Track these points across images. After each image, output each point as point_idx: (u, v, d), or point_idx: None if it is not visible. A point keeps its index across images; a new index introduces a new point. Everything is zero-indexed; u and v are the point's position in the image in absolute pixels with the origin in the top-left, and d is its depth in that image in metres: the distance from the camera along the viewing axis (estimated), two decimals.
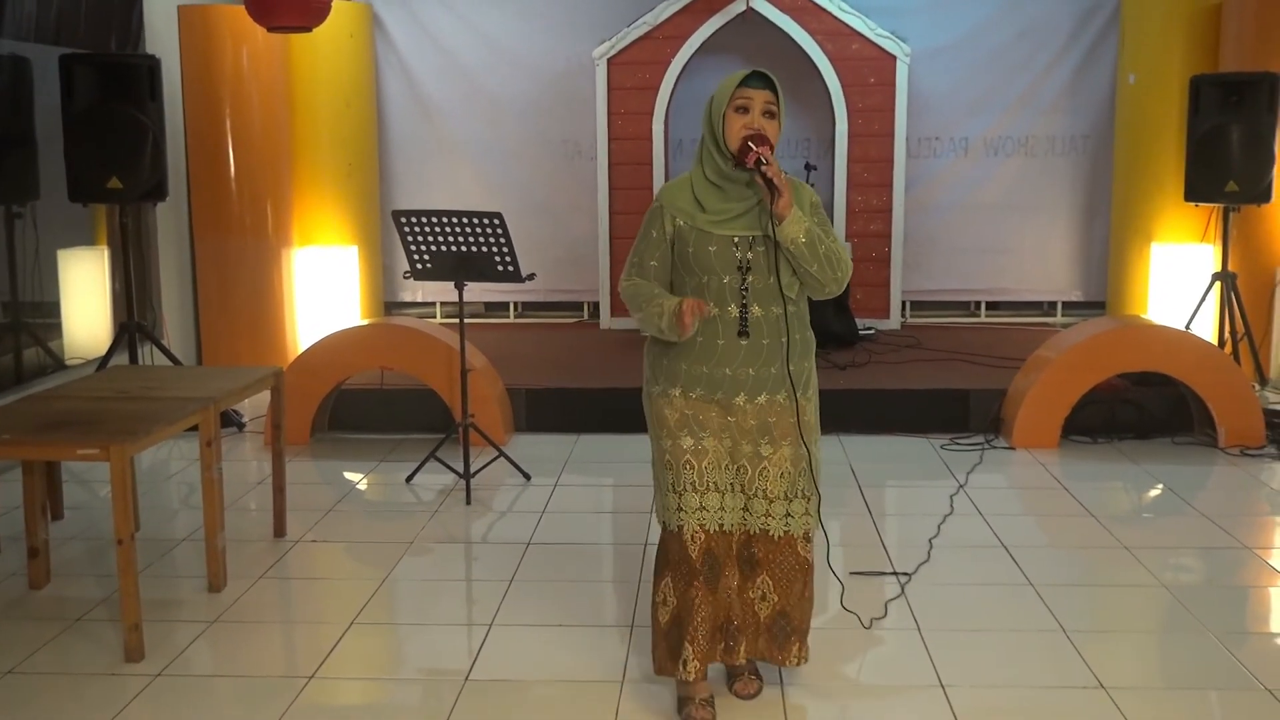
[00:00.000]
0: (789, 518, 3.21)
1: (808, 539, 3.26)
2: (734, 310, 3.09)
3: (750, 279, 3.08)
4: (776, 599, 3.26)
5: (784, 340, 3.14)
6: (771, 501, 3.20)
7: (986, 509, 5.21)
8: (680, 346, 3.14)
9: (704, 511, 3.17)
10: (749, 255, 3.07)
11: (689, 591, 3.18)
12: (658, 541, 3.30)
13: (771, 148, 3.02)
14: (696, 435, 3.16)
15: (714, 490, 3.17)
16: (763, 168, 2.98)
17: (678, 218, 3.12)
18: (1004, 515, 5.16)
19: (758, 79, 3.06)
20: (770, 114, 3.06)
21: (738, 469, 3.19)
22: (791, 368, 3.16)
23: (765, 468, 3.18)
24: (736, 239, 3.07)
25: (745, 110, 3.04)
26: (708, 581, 3.18)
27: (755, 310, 3.09)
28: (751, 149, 2.99)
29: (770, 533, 3.22)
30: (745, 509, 3.21)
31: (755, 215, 3.08)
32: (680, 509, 3.16)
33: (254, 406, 6.83)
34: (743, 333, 3.10)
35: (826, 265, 3.08)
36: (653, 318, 3.10)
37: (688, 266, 3.11)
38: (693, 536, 3.16)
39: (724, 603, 3.23)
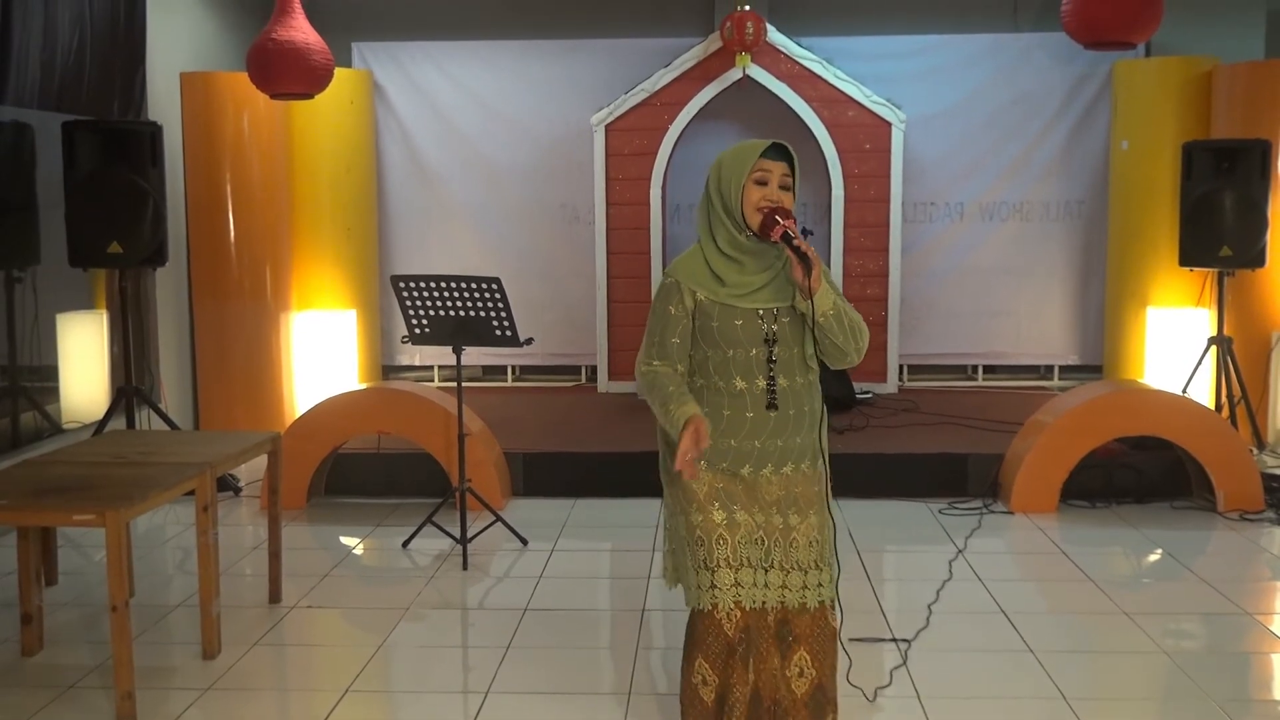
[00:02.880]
0: (820, 587, 3.16)
1: (833, 605, 3.21)
2: (762, 382, 3.07)
3: (777, 350, 3.07)
4: (815, 673, 3.18)
5: (808, 409, 3.13)
6: (806, 572, 3.14)
7: (985, 574, 5.19)
8: (708, 419, 3.08)
9: (739, 588, 3.09)
10: (774, 327, 3.06)
11: (729, 674, 3.11)
12: (686, 622, 3.20)
13: (794, 219, 3.01)
14: (729, 509, 3.10)
15: (748, 566, 3.10)
16: (794, 241, 2.96)
17: (698, 292, 3.07)
18: (1003, 580, 5.14)
19: (776, 151, 3.05)
20: (786, 186, 3.06)
21: (772, 542, 3.12)
22: (814, 436, 3.16)
23: (795, 539, 3.13)
24: (761, 311, 3.06)
25: (764, 183, 3.03)
26: (744, 660, 3.11)
27: (782, 381, 3.08)
28: (779, 223, 2.97)
29: (806, 605, 3.14)
30: (783, 585, 3.13)
31: (777, 286, 3.07)
32: (714, 586, 3.07)
33: (251, 471, 6.81)
34: (772, 405, 3.07)
35: (851, 336, 3.06)
36: (662, 418, 3.07)
37: (712, 341, 3.08)
38: (728, 615, 3.08)
39: (766, 682, 3.15)
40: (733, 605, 3.08)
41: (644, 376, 3.14)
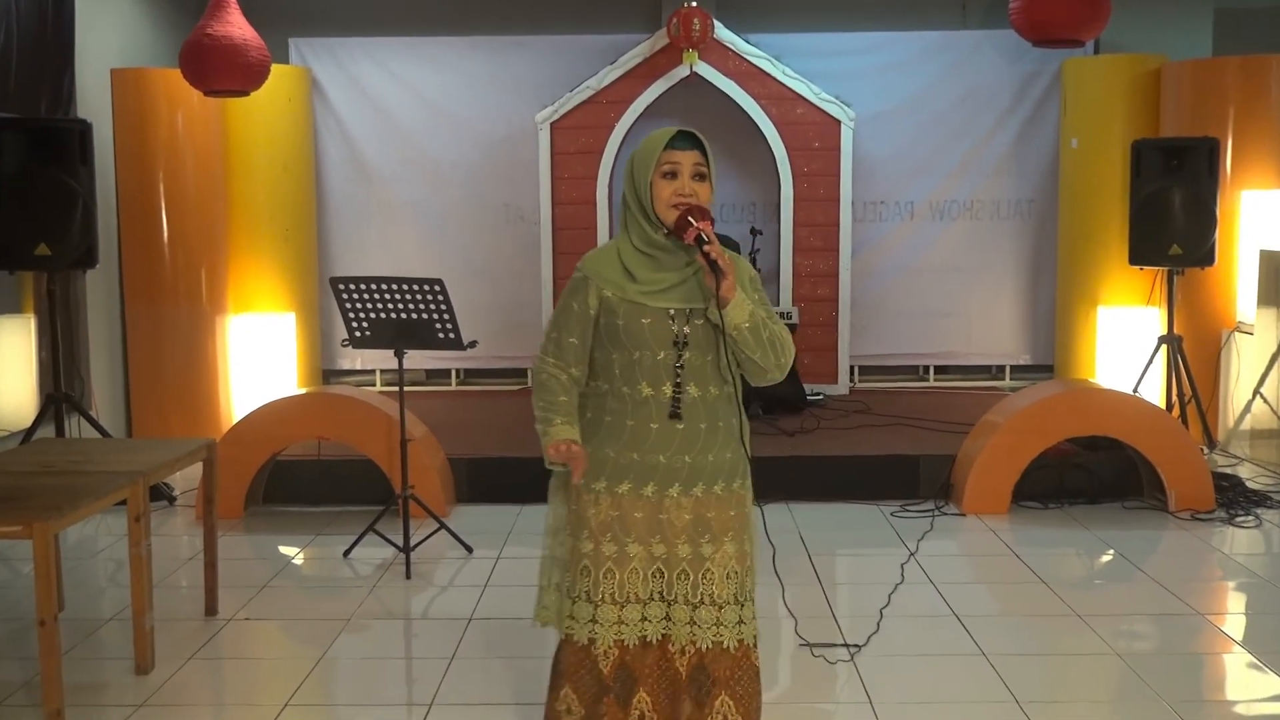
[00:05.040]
0: (741, 624, 2.96)
1: (755, 644, 3.01)
2: (668, 389, 2.90)
3: (687, 355, 2.90)
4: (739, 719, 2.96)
5: (722, 424, 2.96)
6: (721, 608, 2.94)
7: (938, 577, 5.22)
8: (607, 430, 2.95)
9: (622, 625, 2.95)
10: (685, 329, 2.89)
11: (598, 707, 2.98)
12: (554, 651, 3.08)
13: (713, 221, 2.86)
14: (620, 541, 2.95)
15: (634, 602, 2.95)
16: (705, 247, 2.80)
17: (605, 289, 2.92)
18: (955, 583, 5.18)
19: (684, 139, 2.91)
20: (701, 176, 2.91)
21: (676, 575, 2.94)
22: (730, 454, 2.98)
23: (709, 570, 2.94)
24: (673, 311, 2.89)
25: (674, 175, 2.89)
26: (619, 699, 2.98)
27: (691, 390, 2.91)
28: (691, 224, 2.83)
29: (724, 644, 2.94)
30: (691, 621, 2.94)
31: (691, 288, 2.90)
32: (594, 620, 2.95)
33: (185, 479, 6.73)
34: (675, 414, 2.90)
35: (770, 351, 2.90)
36: (540, 425, 2.97)
37: (617, 341, 2.91)
38: (606, 652, 2.95)
39: None
40: (612, 643, 2.95)
41: (538, 376, 3.01)
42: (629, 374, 2.93)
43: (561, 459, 2.91)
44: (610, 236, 8.51)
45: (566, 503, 3.04)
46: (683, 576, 2.95)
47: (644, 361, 2.91)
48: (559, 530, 3.06)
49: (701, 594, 2.95)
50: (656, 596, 2.97)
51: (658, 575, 2.96)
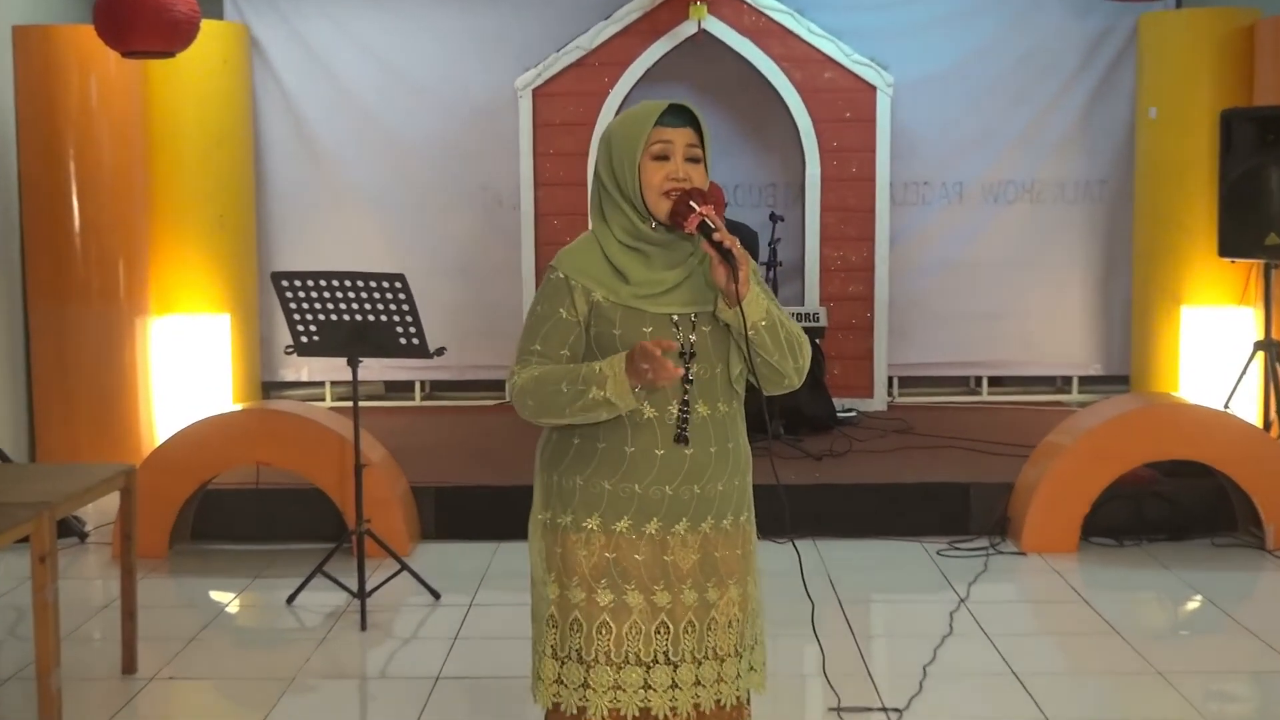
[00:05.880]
0: (739, 678, 2.98)
1: (748, 700, 3.04)
2: (674, 409, 2.88)
3: (696, 368, 2.88)
4: None
5: (732, 447, 2.96)
6: (723, 661, 2.95)
7: (993, 628, 5.21)
8: (600, 459, 2.91)
9: (619, 692, 2.90)
10: (692, 338, 2.88)
11: None
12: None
13: (717, 206, 2.85)
14: (618, 588, 2.91)
15: (634, 664, 2.91)
16: (714, 235, 2.77)
17: (594, 291, 2.88)
18: (1014, 635, 5.16)
19: (676, 115, 2.88)
20: (695, 159, 2.89)
21: (682, 629, 2.92)
22: (739, 481, 2.98)
23: (714, 618, 2.95)
24: (676, 317, 2.88)
25: (665, 157, 2.86)
26: None
27: (700, 409, 2.90)
28: (693, 209, 2.80)
29: (723, 703, 2.95)
30: (696, 683, 2.93)
31: (695, 287, 2.89)
32: (586, 685, 2.90)
33: (100, 512, 6.70)
34: (681, 438, 2.88)
35: (789, 352, 2.90)
36: (576, 401, 2.81)
37: (611, 353, 2.86)
38: None
39: None
40: (607, 713, 2.90)
41: (520, 383, 2.90)
42: None
43: (654, 373, 2.72)
44: None
45: (550, 544, 2.98)
46: (689, 630, 2.93)
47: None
48: (546, 581, 2.99)
49: (706, 648, 2.95)
50: (661, 658, 2.92)
51: (662, 631, 2.92)
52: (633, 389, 2.78)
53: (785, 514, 3.09)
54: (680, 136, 2.88)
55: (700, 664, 2.94)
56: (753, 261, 2.99)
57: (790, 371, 2.92)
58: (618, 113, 8.37)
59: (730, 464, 2.96)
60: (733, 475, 2.97)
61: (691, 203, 2.81)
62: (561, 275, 2.92)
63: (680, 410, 2.88)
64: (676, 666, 2.93)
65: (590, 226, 2.99)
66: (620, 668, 2.91)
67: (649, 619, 2.91)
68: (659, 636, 2.92)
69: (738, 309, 2.80)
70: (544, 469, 3.02)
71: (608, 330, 2.88)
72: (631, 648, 2.91)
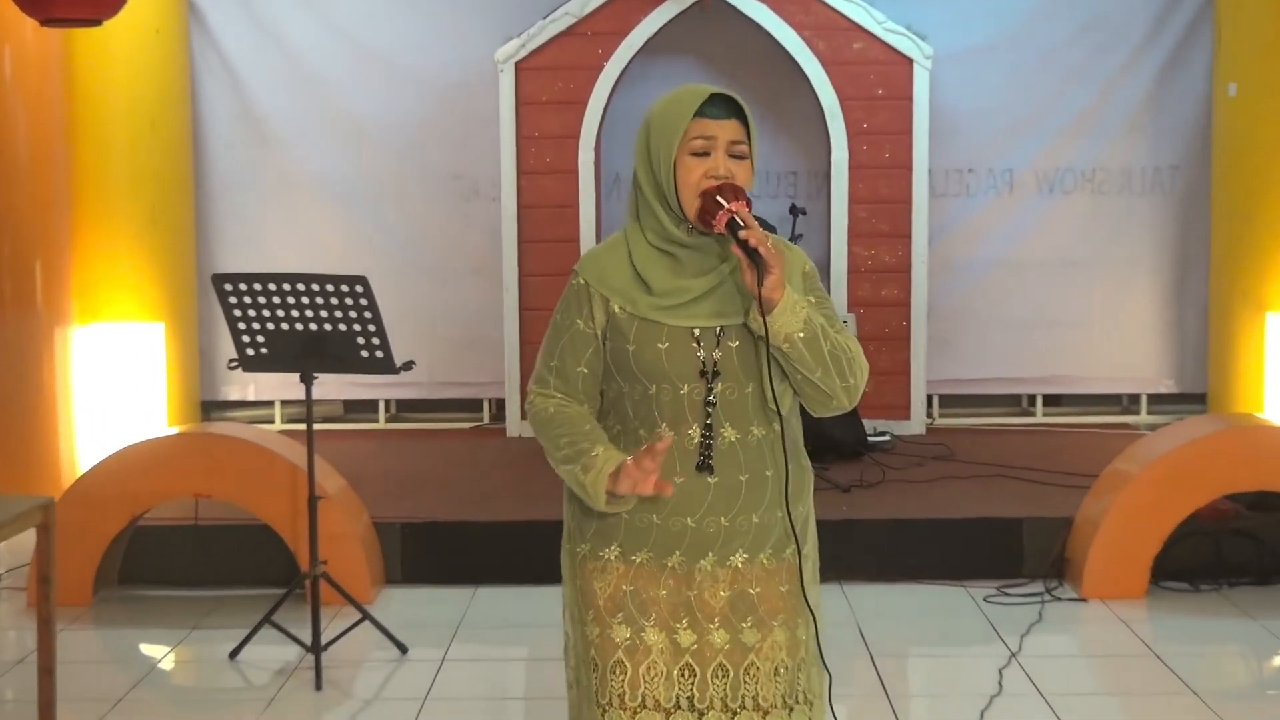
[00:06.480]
0: None
1: None
2: (695, 433, 2.93)
3: (720, 388, 2.92)
4: None
5: (770, 474, 2.97)
6: (766, 714, 2.97)
7: (1049, 687, 5.20)
8: None
9: None
10: (716, 355, 2.91)
11: None
12: None
13: (749, 203, 2.86)
14: (635, 624, 2.98)
15: (652, 709, 2.96)
16: (740, 233, 2.79)
17: (612, 301, 2.95)
18: (1074, 695, 5.15)
19: (720, 105, 2.91)
20: (740, 155, 2.92)
21: (710, 673, 2.97)
22: (781, 513, 3.01)
23: (754, 663, 2.97)
24: (698, 332, 2.91)
25: (705, 153, 2.89)
26: None
27: (726, 433, 2.94)
28: (722, 205, 2.82)
29: None
30: None
31: (725, 297, 2.92)
32: None
33: (13, 553, 6.70)
34: (704, 465, 2.93)
35: (833, 370, 2.90)
36: (565, 465, 2.94)
37: (626, 371, 2.95)
38: None
39: None
40: None
41: (537, 409, 3.03)
42: (644, 413, 2.96)
43: (630, 489, 2.84)
44: (598, 216, 8.53)
45: (571, 576, 3.08)
46: (719, 675, 2.97)
47: (662, 397, 2.94)
48: (566, 617, 3.11)
49: (743, 697, 2.97)
50: (685, 704, 2.97)
51: (686, 674, 2.97)
52: (609, 494, 2.86)
53: (797, 551, 3.06)
54: (724, 130, 2.90)
55: (735, 715, 2.97)
56: (809, 262, 3.04)
57: (838, 391, 2.93)
58: (613, 90, 8.39)
59: (768, 494, 2.98)
60: (772, 506, 2.99)
61: (719, 198, 2.84)
62: (582, 281, 3.01)
63: (703, 435, 2.93)
64: (703, 715, 2.97)
65: (625, 226, 3.05)
66: (636, 713, 2.96)
67: (671, 659, 2.97)
68: (683, 680, 2.97)
69: (762, 317, 2.81)
70: (568, 496, 3.09)
71: (622, 345, 2.94)
72: (650, 691, 2.96)
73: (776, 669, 2.99)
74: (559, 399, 3.01)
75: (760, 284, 2.78)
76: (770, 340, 2.84)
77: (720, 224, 2.82)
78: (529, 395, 3.06)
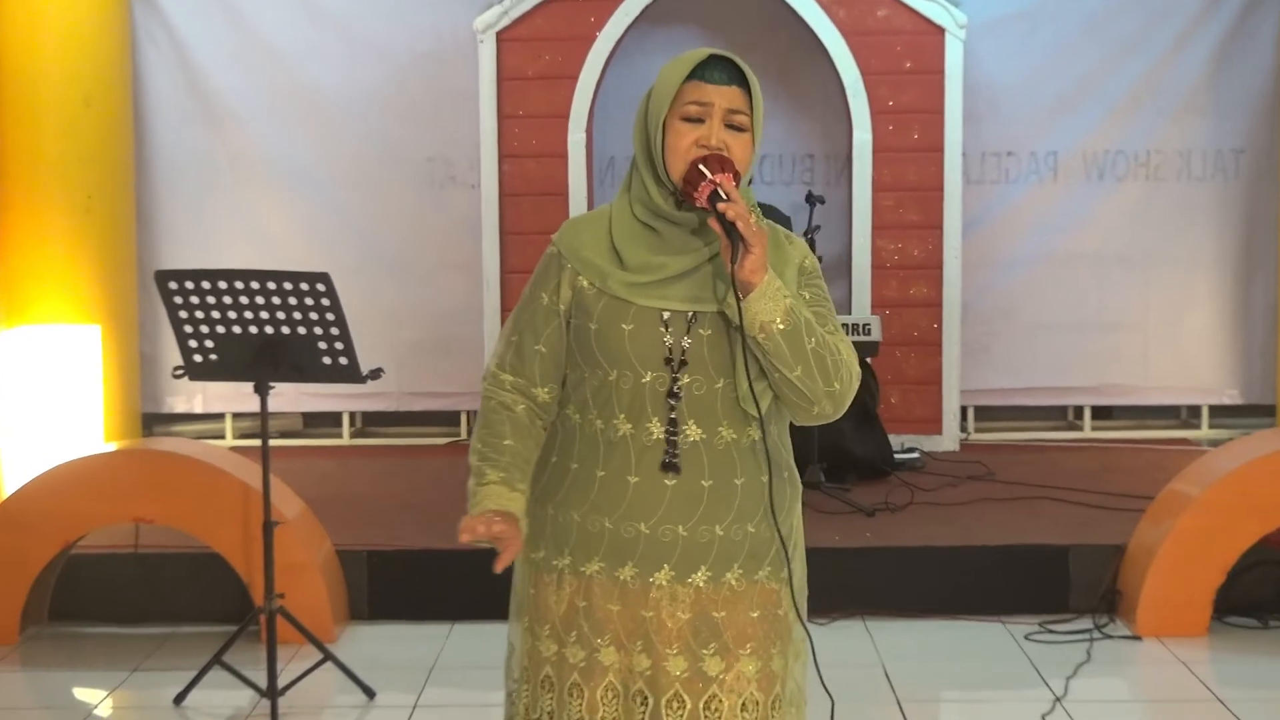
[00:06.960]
0: None
1: None
2: (655, 429, 2.94)
3: (686, 380, 2.92)
4: None
5: (741, 483, 2.97)
6: None
7: None
8: (573, 483, 3.01)
9: None
10: (685, 341, 2.92)
11: None
12: None
13: (738, 176, 2.88)
14: (589, 643, 3.00)
15: None
16: (719, 205, 2.81)
17: (580, 275, 2.99)
18: None
19: (720, 68, 2.92)
20: (740, 127, 2.92)
21: (665, 702, 2.97)
22: (754, 528, 3.00)
23: (716, 697, 2.97)
24: (668, 315, 2.92)
25: (700, 119, 2.90)
26: None
27: (690, 431, 2.93)
28: (704, 176, 2.85)
29: None
30: None
31: (703, 281, 2.94)
32: None
33: None
34: (669, 465, 2.94)
35: (816, 370, 2.89)
36: (472, 478, 3.05)
37: (587, 353, 2.97)
38: None
39: None
40: None
41: (484, 399, 3.09)
42: (603, 402, 2.98)
43: (480, 538, 2.94)
44: (590, 206, 8.57)
45: (524, 582, 3.12)
46: (675, 706, 2.97)
47: (622, 385, 2.95)
48: (517, 625, 3.14)
49: None
50: None
51: (639, 700, 2.98)
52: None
53: (790, 580, 3.07)
54: (723, 97, 2.91)
55: None
56: (810, 254, 3.05)
57: (821, 396, 2.92)
58: (608, 62, 8.40)
59: (736, 504, 2.97)
60: (742, 519, 2.98)
61: (701, 166, 2.85)
62: (556, 250, 3.07)
63: (668, 431, 2.94)
64: None
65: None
66: None
67: (626, 682, 3.00)
68: (637, 705, 2.98)
69: (735, 303, 2.82)
70: (533, 495, 3.12)
71: (585, 324, 2.97)
72: (608, 714, 2.99)
73: (744, 704, 2.98)
74: (505, 394, 3.05)
75: (735, 262, 2.80)
76: (745, 329, 2.83)
77: (702, 197, 2.84)
78: (487, 370, 3.11)
